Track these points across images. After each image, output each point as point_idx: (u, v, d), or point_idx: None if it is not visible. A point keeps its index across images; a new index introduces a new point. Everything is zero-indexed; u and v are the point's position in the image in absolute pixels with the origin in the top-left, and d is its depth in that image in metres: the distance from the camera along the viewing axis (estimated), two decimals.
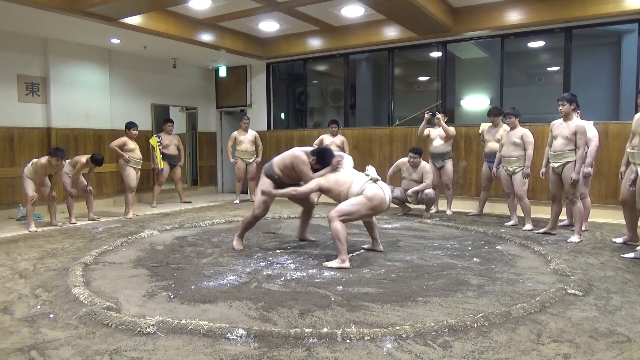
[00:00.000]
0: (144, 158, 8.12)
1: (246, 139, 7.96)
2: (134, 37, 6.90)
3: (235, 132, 8.03)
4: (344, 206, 3.92)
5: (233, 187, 10.01)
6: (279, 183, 4.37)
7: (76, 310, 2.85)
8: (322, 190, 4.17)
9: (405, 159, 6.37)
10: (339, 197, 4.06)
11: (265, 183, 4.38)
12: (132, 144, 6.71)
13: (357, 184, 3.96)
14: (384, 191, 3.97)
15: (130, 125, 6.76)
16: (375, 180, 4.03)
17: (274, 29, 7.74)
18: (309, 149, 4.36)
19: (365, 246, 4.41)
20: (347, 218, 3.93)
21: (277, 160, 4.38)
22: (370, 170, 4.14)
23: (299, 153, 4.24)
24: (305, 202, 4.74)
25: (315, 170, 4.20)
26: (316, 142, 7.65)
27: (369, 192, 3.90)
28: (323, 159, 4.18)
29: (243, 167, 8.00)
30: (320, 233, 5.28)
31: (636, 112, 4.32)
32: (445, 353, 2.28)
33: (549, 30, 6.72)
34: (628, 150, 4.39)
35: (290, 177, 4.33)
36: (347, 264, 3.81)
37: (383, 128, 7.99)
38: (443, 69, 7.58)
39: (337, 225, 3.86)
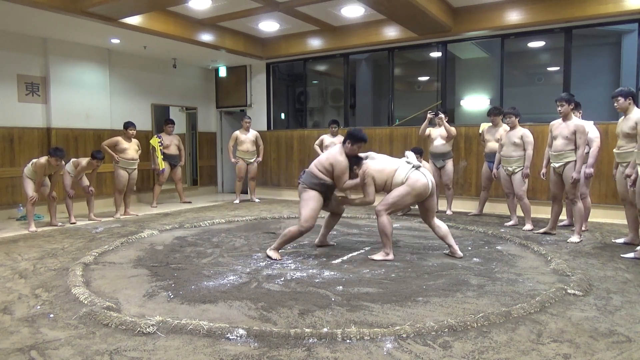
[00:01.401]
0: (145, 158, 8.14)
1: (247, 139, 7.96)
2: (134, 37, 6.89)
3: (237, 132, 8.03)
4: (389, 198, 4.05)
5: (233, 187, 10.02)
6: (323, 190, 4.14)
7: (76, 310, 2.85)
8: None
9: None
10: (383, 187, 4.14)
11: (312, 196, 4.10)
12: (124, 144, 6.56)
13: (401, 172, 4.04)
14: (427, 177, 4.05)
15: (127, 125, 6.68)
16: (417, 167, 4.09)
17: (274, 29, 7.74)
18: (337, 147, 4.20)
19: (446, 251, 4.30)
20: (393, 210, 4.11)
21: (317, 164, 4.16)
22: (410, 156, 4.20)
23: (340, 160, 4.05)
24: (337, 208, 4.52)
25: (353, 151, 4.11)
26: (317, 142, 7.66)
27: (412, 180, 3.99)
28: (354, 137, 4.06)
29: (244, 167, 8.00)
30: (319, 233, 5.26)
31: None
32: (445, 353, 2.28)
33: (549, 30, 6.72)
34: (614, 150, 4.51)
35: (331, 177, 4.14)
36: (390, 257, 4.05)
37: (383, 128, 7.99)
38: (443, 69, 7.58)
39: (384, 219, 4.03)
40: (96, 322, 2.67)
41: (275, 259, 4.09)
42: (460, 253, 4.19)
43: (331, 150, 4.25)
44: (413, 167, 4.07)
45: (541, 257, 4.21)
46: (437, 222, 4.24)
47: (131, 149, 6.63)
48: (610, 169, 6.04)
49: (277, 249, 4.21)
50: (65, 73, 7.16)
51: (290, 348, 2.33)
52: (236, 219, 6.26)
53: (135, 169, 6.72)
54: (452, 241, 4.22)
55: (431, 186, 4.05)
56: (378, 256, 4.08)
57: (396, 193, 4.02)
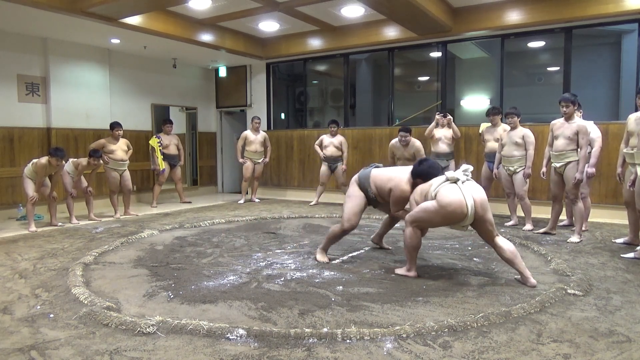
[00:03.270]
0: (144, 159, 8.15)
1: (257, 139, 7.96)
2: (134, 37, 6.89)
3: (247, 132, 8.02)
4: (415, 210, 3.47)
5: (233, 187, 10.03)
6: (371, 198, 3.97)
7: (76, 310, 2.85)
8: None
9: (394, 141, 6.39)
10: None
11: (357, 195, 3.95)
12: (112, 146, 6.49)
13: (433, 186, 3.38)
14: (464, 195, 3.24)
15: (113, 126, 6.60)
16: (454, 181, 3.32)
17: (274, 29, 7.74)
18: (407, 172, 3.79)
19: (517, 276, 3.46)
20: (418, 225, 3.47)
21: (377, 179, 3.90)
22: (464, 166, 3.42)
23: (404, 190, 3.71)
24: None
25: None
26: (317, 142, 7.66)
27: (441, 196, 3.28)
28: (428, 177, 3.59)
29: (252, 167, 7.99)
30: (320, 233, 5.27)
31: None
32: (445, 353, 2.28)
33: (549, 30, 6.72)
34: (625, 150, 4.41)
35: (384, 198, 3.92)
36: (411, 273, 3.55)
37: (383, 128, 7.98)
38: (443, 69, 7.58)
39: (407, 231, 3.51)
40: (96, 322, 2.67)
41: (323, 262, 3.96)
42: (533, 281, 3.30)
43: (402, 177, 3.78)
44: (446, 180, 3.33)
45: (541, 257, 4.21)
46: (500, 242, 3.40)
47: (119, 149, 6.56)
48: (610, 169, 6.05)
49: (324, 249, 4.09)
50: (65, 73, 7.16)
51: (290, 348, 2.33)
52: (236, 219, 6.26)
53: (125, 169, 6.64)
54: (521, 266, 3.36)
55: (470, 209, 3.23)
56: (401, 270, 3.62)
57: (423, 206, 3.40)
